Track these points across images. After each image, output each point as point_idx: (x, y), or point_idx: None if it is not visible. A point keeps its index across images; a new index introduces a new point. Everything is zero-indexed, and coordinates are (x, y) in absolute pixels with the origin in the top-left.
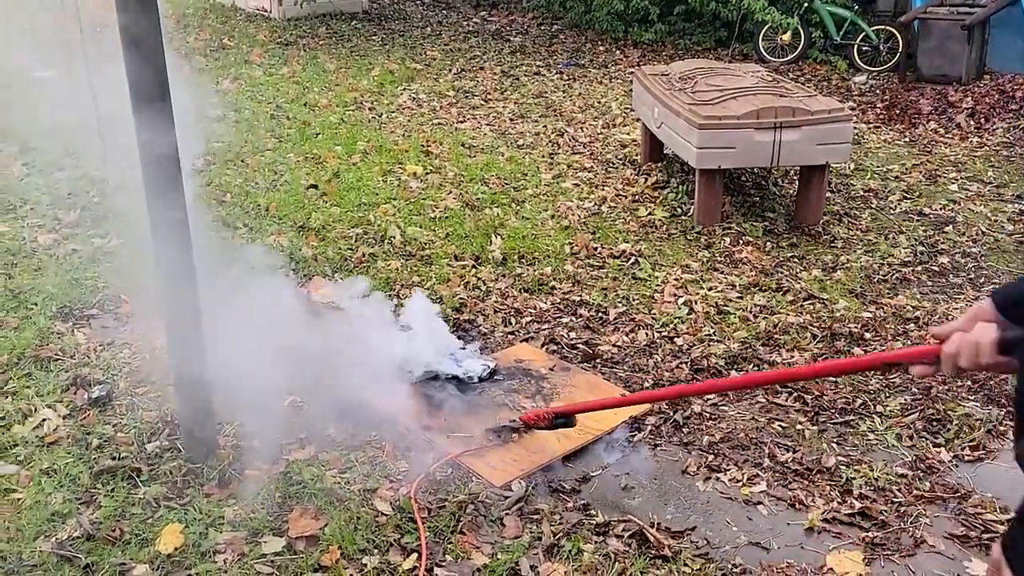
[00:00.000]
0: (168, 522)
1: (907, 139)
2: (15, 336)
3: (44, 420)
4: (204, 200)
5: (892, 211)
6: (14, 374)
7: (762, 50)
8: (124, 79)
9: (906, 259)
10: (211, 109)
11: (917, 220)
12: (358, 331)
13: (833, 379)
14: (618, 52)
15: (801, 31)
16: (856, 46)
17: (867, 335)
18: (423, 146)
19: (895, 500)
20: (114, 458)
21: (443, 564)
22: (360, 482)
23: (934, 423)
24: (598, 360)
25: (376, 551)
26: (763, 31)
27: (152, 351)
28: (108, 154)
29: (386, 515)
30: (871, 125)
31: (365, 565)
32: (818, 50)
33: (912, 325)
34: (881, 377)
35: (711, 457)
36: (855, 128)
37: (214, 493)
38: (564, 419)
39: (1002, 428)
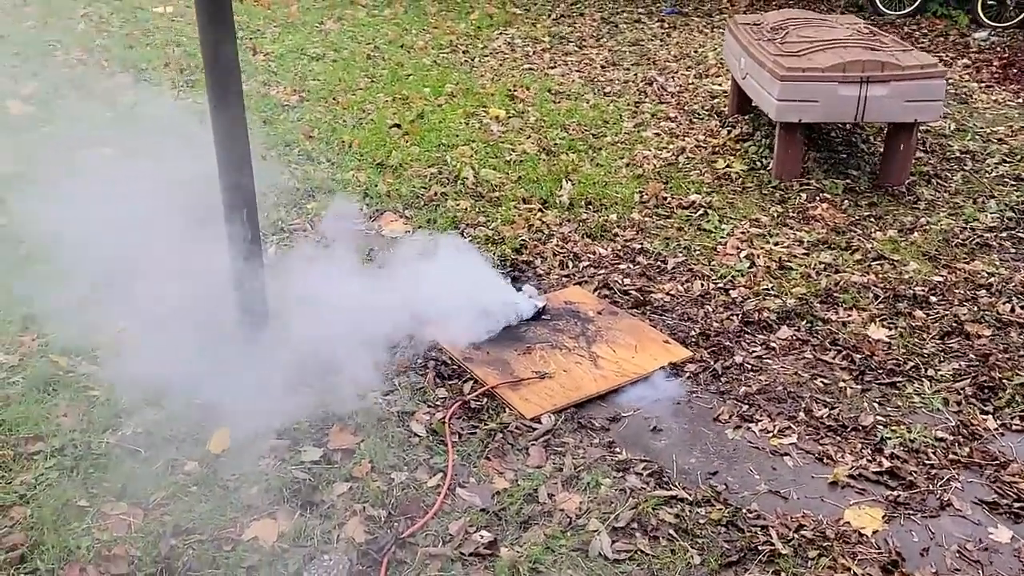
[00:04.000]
0: (221, 427)
1: (1021, 100)
2: None
3: (121, 330)
4: (292, 134)
5: (987, 174)
6: None
7: (877, 2)
8: None
9: (992, 224)
10: (312, 48)
11: (1012, 185)
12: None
13: (886, 340)
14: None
15: None
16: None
17: (932, 298)
18: (509, 91)
19: (928, 463)
20: (178, 367)
21: (466, 485)
22: (400, 404)
23: (986, 390)
24: (648, 307)
25: (405, 468)
26: None
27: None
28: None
29: (419, 436)
30: (983, 84)
31: (393, 479)
32: (939, 3)
33: (983, 292)
34: (938, 341)
35: (745, 407)
36: (964, 87)
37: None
38: None
39: None
